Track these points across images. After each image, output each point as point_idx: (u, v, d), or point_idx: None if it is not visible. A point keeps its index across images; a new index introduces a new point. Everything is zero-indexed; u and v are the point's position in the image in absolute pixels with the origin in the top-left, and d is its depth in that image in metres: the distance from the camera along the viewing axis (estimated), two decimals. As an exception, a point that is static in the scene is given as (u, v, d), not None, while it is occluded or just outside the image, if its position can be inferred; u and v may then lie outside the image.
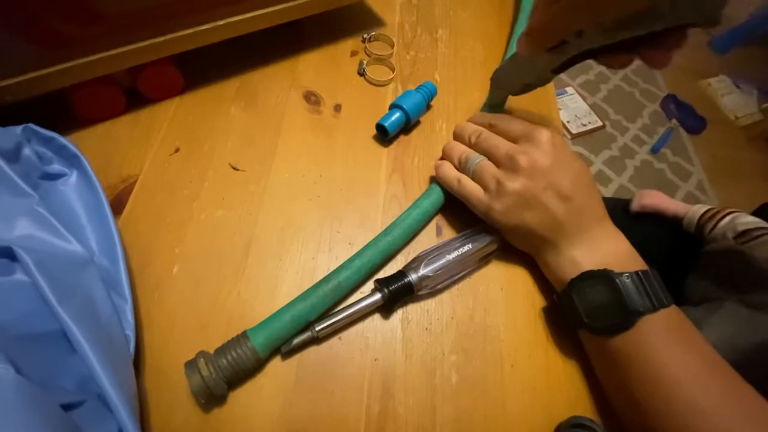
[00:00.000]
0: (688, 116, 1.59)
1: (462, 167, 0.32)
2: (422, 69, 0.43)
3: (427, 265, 0.29)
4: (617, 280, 0.25)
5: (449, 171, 0.32)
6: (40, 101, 0.29)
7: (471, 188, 0.30)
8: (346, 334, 0.28)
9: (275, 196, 0.33)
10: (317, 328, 0.26)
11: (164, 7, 0.30)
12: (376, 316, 0.29)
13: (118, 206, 0.30)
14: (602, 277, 0.25)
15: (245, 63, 0.40)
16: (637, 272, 0.25)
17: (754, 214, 0.65)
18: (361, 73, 0.41)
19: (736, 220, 0.51)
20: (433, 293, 0.30)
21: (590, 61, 0.28)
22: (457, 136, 0.34)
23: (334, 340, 0.27)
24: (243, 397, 0.25)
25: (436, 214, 0.33)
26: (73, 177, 0.27)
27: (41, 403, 0.16)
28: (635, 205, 0.64)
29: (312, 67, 0.41)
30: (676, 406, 0.23)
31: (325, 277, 0.28)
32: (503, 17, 0.50)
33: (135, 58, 0.31)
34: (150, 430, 0.23)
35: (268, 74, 0.40)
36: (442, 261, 0.29)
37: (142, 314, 0.26)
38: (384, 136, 0.37)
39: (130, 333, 0.23)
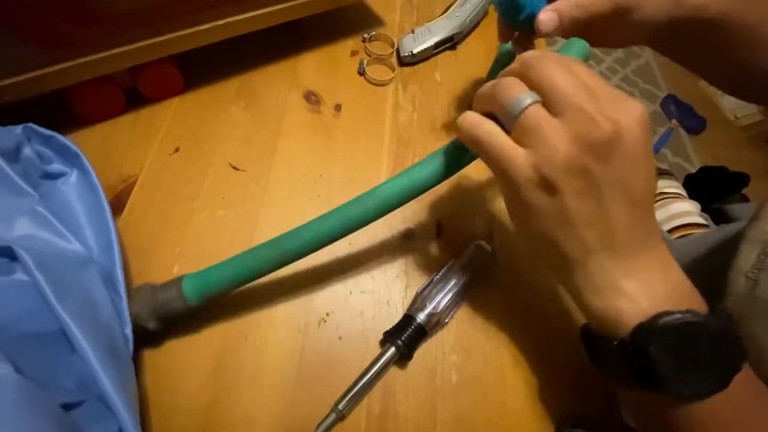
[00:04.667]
0: (687, 116, 1.59)
1: (503, 112, 0.21)
2: (422, 68, 0.43)
3: (431, 301, 0.28)
4: (711, 326, 0.18)
5: (475, 118, 0.22)
6: (40, 101, 0.29)
7: (503, 144, 0.20)
8: (346, 334, 0.28)
9: (275, 195, 0.33)
10: (340, 407, 0.24)
11: (164, 7, 0.30)
12: (375, 314, 0.29)
13: (118, 206, 0.30)
14: (693, 323, 0.18)
15: (245, 63, 0.40)
16: (720, 313, 0.19)
17: (693, 176, 0.64)
18: (361, 73, 0.41)
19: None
20: (442, 325, 0.28)
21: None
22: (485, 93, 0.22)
23: (334, 340, 0.27)
24: (243, 397, 0.25)
25: (427, 189, 0.25)
26: (74, 176, 0.27)
27: (41, 403, 0.16)
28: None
29: (312, 67, 0.41)
30: None
31: (274, 240, 0.25)
32: (503, 17, 0.50)
33: (135, 58, 0.31)
34: (150, 429, 0.23)
35: (268, 74, 0.40)
36: (445, 290, 0.28)
37: (142, 314, 0.26)
38: (515, 16, 0.29)
39: (130, 332, 0.23)
